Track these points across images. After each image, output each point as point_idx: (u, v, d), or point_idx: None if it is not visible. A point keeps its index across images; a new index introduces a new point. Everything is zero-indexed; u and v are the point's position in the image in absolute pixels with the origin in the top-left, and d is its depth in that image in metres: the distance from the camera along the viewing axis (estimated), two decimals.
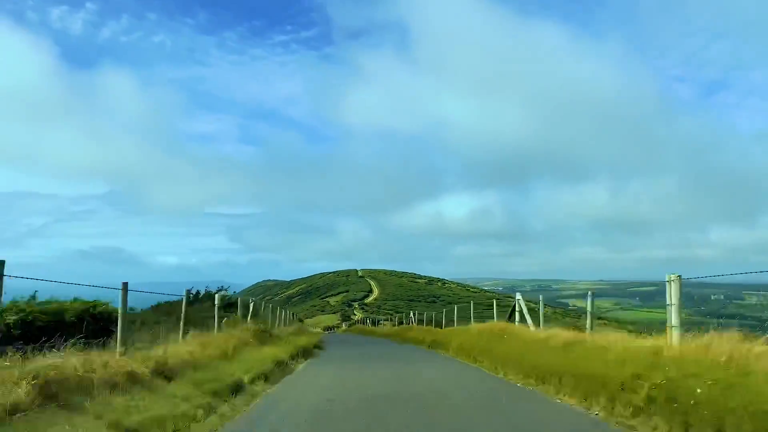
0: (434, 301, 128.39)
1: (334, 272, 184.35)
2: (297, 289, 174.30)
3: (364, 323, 61.57)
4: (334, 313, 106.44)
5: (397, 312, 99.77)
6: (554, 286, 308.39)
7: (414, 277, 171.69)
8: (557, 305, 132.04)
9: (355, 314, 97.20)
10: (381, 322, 64.39)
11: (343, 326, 68.73)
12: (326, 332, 72.09)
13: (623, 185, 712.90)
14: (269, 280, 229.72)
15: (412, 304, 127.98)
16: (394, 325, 45.17)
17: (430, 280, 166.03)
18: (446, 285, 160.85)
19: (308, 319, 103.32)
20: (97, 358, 6.62)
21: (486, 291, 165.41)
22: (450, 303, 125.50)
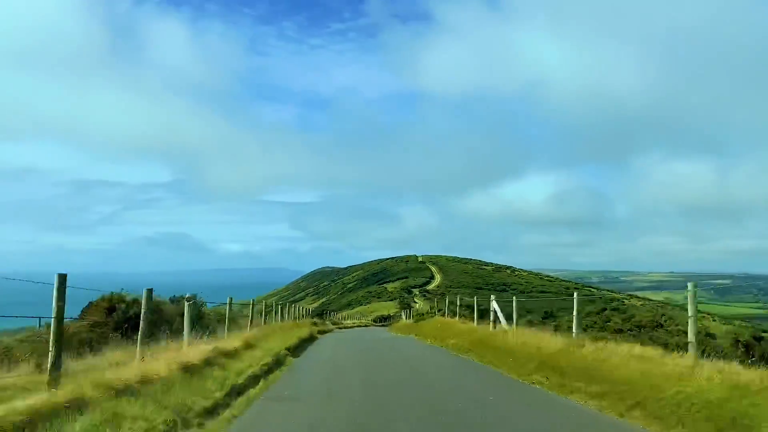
0: (505, 290, 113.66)
1: (392, 258, 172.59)
2: (353, 275, 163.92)
3: (455, 313, 25.04)
4: (392, 300, 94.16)
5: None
6: (623, 278, 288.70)
7: (480, 263, 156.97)
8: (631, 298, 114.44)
9: (415, 302, 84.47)
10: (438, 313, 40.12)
11: (403, 318, 50.18)
12: (373, 325, 56.45)
13: (736, 162, 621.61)
14: (327, 267, 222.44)
15: (480, 293, 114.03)
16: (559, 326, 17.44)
17: (498, 267, 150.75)
18: (516, 273, 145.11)
19: (362, 307, 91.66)
20: None
21: (562, 281, 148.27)
22: (523, 292, 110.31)
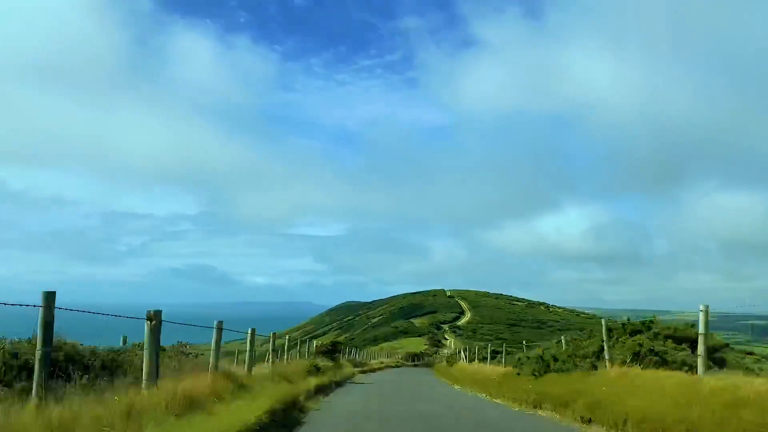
0: (540, 327, 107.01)
1: (419, 292, 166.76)
2: (378, 309, 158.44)
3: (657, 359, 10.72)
4: (420, 336, 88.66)
5: (498, 339, 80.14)
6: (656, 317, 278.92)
7: (510, 299, 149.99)
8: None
9: (446, 338, 78.93)
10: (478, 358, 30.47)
11: (463, 358, 35.94)
12: (404, 365, 50.44)
13: None
14: (351, 301, 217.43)
15: (513, 329, 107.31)
16: None
17: (531, 303, 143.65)
18: (551, 309, 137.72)
19: (388, 343, 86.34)
20: None
21: (600, 318, 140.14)
22: (561, 330, 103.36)
